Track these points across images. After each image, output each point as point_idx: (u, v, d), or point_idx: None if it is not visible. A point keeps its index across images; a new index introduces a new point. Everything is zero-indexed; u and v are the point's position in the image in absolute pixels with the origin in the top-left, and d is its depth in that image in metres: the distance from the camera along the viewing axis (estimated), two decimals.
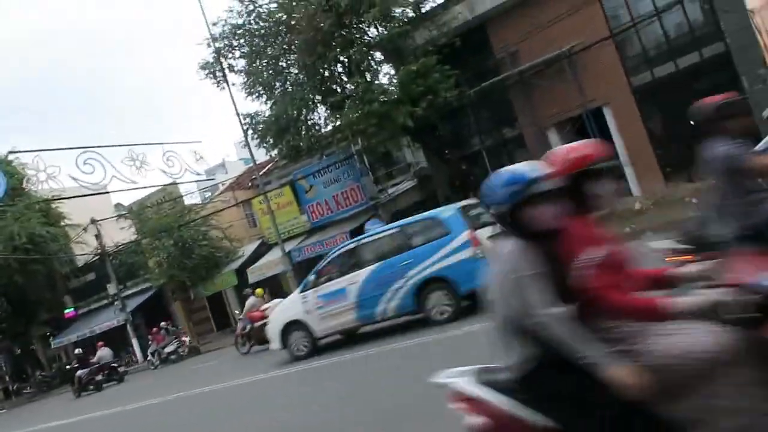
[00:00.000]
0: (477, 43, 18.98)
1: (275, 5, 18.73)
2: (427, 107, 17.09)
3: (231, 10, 19.10)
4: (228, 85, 20.72)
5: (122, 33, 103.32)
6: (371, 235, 11.67)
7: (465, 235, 9.91)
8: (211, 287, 26.29)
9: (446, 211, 10.67)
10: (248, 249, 26.50)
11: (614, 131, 17.79)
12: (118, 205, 33.03)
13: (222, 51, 19.78)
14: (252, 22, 19.09)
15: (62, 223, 29.57)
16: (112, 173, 19.53)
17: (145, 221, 27.03)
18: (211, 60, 20.12)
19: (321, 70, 18.93)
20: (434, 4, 18.81)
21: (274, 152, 21.48)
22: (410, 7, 18.44)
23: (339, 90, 19.20)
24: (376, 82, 18.78)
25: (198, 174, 23.10)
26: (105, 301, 28.61)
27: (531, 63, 17.99)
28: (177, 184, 25.10)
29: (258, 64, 19.37)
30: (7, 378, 31.11)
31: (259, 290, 18.16)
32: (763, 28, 16.72)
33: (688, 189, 15.84)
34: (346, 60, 18.63)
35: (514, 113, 19.35)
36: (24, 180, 18.29)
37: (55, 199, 27.23)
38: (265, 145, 20.80)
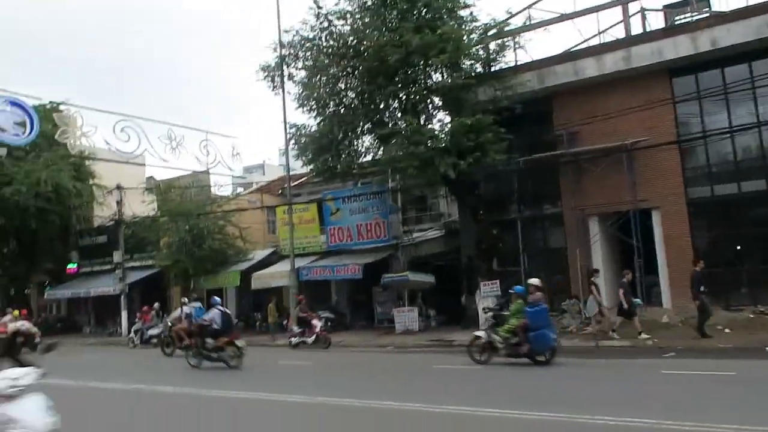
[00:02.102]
0: (538, 114, 18.55)
1: (348, 28, 18.60)
2: (472, 163, 16.61)
3: (305, 23, 19.07)
4: (283, 93, 20.66)
5: (190, 13, 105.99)
6: None
7: None
8: (212, 282, 25.85)
9: None
10: (259, 254, 26.05)
11: (658, 238, 17.00)
12: (150, 179, 33.09)
13: (286, 59, 19.70)
14: (322, 38, 18.98)
15: (90, 182, 29.69)
16: (145, 146, 19.44)
17: (168, 201, 26.90)
18: (274, 64, 20.06)
19: (377, 101, 18.71)
20: (504, 66, 18.45)
21: (310, 167, 21.20)
22: (480, 63, 18.11)
23: (389, 124, 18.88)
24: (428, 126, 18.40)
25: (230, 169, 22.89)
26: (108, 267, 28.39)
27: (589, 147, 17.42)
28: (209, 173, 24.99)
29: (317, 79, 19.20)
30: None
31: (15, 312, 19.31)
32: None
33: (720, 317, 14.86)
34: (403, 97, 18.35)
35: (559, 192, 18.72)
36: (59, 132, 18.27)
37: (94, 159, 27.43)
38: (303, 158, 20.56)
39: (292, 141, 20.67)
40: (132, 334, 22.90)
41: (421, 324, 20.41)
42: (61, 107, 23.86)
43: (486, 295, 18.45)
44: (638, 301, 15.33)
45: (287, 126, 20.72)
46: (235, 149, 22.58)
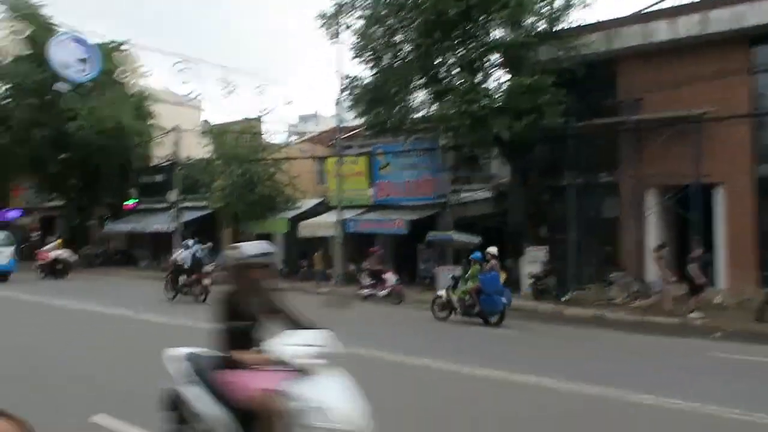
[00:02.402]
0: (602, 77, 17.64)
1: None
2: (527, 125, 16.11)
3: None
4: (338, 42, 20.43)
5: None
6: None
7: None
8: (261, 227, 26.42)
9: None
10: (307, 203, 26.39)
11: (720, 215, 16.21)
12: (205, 122, 33.68)
13: (344, 7, 19.36)
14: None
15: (149, 121, 30.49)
16: (201, 89, 19.77)
17: (223, 144, 27.38)
18: (330, 13, 19.75)
19: (433, 56, 18.20)
20: (569, 25, 17.54)
21: (362, 120, 21.09)
22: (544, 21, 17.28)
23: (444, 80, 18.43)
24: (484, 85, 17.85)
25: (282, 117, 23.03)
26: (163, 205, 29.40)
27: (653, 116, 16.55)
28: (260, 120, 25.17)
29: (374, 30, 18.82)
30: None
31: (59, 241, 24.05)
32: None
33: None
34: (460, 53, 17.80)
35: (617, 160, 17.99)
36: (118, 71, 18.77)
37: (153, 100, 28.04)
38: (356, 110, 20.48)
39: (347, 92, 20.54)
40: None
41: None
42: (122, 47, 24.40)
43: (532, 261, 18.24)
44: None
45: (342, 76, 20.56)
46: (288, 97, 22.70)
